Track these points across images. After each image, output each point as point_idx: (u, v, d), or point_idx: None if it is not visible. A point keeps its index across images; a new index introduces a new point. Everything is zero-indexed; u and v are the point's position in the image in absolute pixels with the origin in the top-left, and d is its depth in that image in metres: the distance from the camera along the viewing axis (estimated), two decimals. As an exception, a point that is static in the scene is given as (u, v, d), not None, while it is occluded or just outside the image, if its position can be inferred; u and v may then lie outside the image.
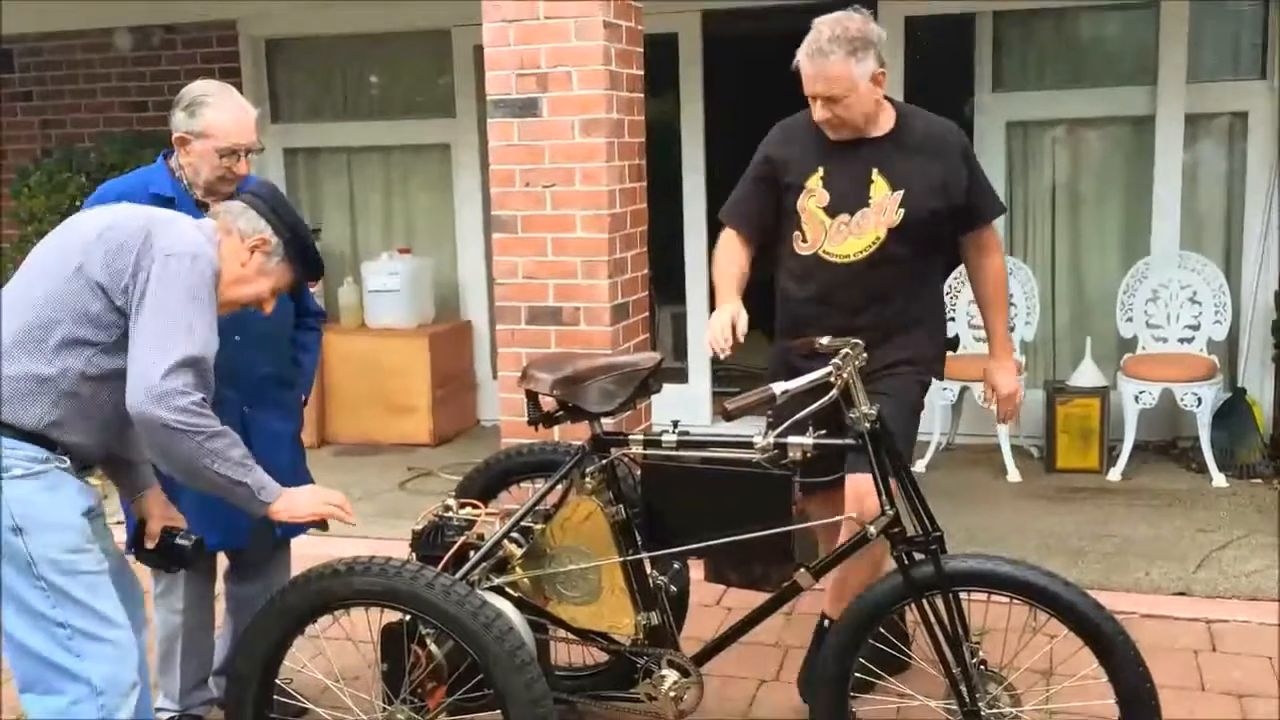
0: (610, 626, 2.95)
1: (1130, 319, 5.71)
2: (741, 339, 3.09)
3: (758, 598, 2.93)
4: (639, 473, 2.93)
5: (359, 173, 7.10)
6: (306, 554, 3.74)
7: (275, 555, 3.41)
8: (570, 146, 4.14)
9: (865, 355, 2.73)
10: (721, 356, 3.05)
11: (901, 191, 3.13)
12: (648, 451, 2.88)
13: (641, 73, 4.41)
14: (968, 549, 4.26)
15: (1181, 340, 5.61)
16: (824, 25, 3.09)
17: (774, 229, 3.33)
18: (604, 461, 2.92)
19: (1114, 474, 5.41)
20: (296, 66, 7.10)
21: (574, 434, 3.44)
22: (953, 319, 5.95)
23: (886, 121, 3.17)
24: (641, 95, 4.41)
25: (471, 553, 2.90)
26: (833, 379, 2.66)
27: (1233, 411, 5.43)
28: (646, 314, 4.57)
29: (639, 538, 2.90)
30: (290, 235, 2.65)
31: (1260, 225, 5.65)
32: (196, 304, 2.41)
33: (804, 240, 3.25)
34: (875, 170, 3.14)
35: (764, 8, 6.17)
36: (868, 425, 2.68)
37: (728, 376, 7.07)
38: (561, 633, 3.08)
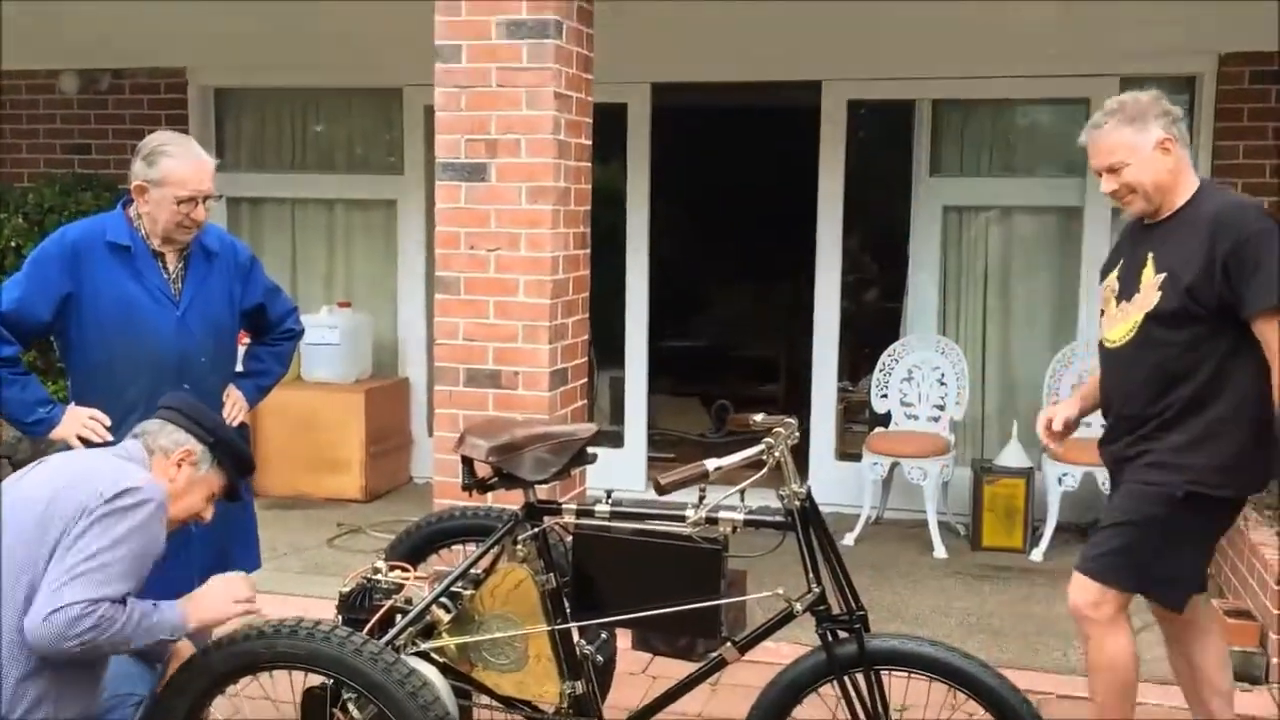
0: (535, 695, 2.95)
1: (1056, 402, 5.85)
2: (1060, 431, 3.38)
3: (685, 668, 2.95)
4: (570, 541, 2.95)
5: (302, 225, 7.11)
6: (230, 611, 3.70)
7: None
8: (516, 212, 4.20)
9: (798, 435, 2.78)
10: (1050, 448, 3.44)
11: (1163, 274, 2.99)
12: (580, 520, 2.91)
13: (590, 142, 4.49)
14: (892, 625, 4.35)
15: (1104, 425, 5.74)
16: (1106, 101, 3.10)
17: None
18: (536, 529, 2.93)
19: (1036, 554, 5.52)
20: (245, 116, 7.12)
21: (508, 499, 3.46)
22: (885, 395, 6.07)
23: (1181, 198, 3.04)
24: (589, 164, 4.49)
25: (399, 616, 2.89)
26: (764, 456, 2.71)
27: (1152, 497, 5.57)
28: (585, 380, 4.61)
29: (567, 606, 2.91)
30: (214, 439, 2.72)
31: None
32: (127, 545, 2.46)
33: (1100, 330, 3.22)
34: (1150, 254, 3.04)
35: (712, 83, 6.31)
36: (797, 504, 2.73)
37: (664, 442, 7.13)
38: (486, 700, 3.06)
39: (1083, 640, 3.24)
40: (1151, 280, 3.01)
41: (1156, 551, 3.04)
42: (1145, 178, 3.01)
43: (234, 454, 2.79)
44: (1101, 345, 3.17)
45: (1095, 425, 5.70)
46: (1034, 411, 5.93)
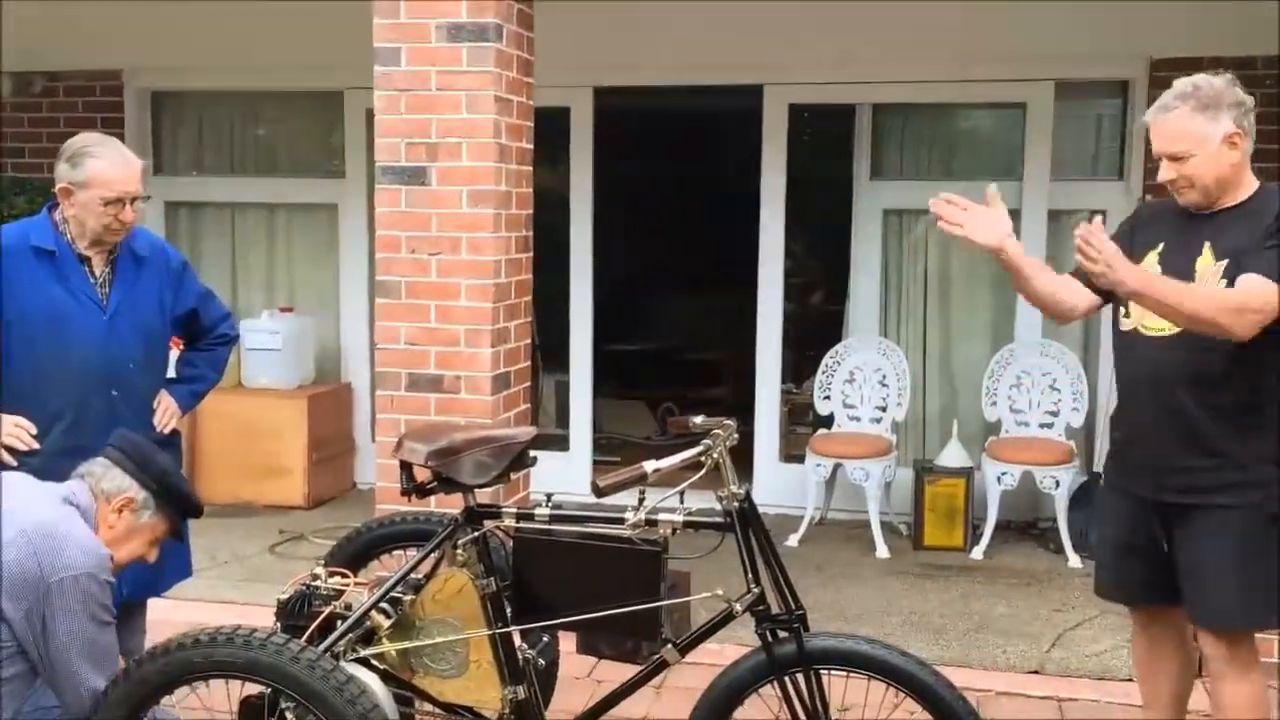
0: (477, 701, 2.94)
1: (995, 403, 5.95)
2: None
3: (629, 670, 2.95)
4: (511, 545, 2.94)
5: (243, 229, 7.02)
6: (165, 620, 3.66)
7: (129, 620, 3.31)
8: (457, 216, 4.19)
9: (737, 437, 2.79)
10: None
11: (1226, 260, 2.81)
12: (520, 524, 2.91)
13: (531, 146, 4.48)
14: (835, 625, 4.39)
15: (1042, 425, 5.85)
16: (1177, 82, 2.87)
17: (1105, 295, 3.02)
18: (477, 534, 2.92)
19: (977, 552, 5.59)
20: (183, 119, 7.02)
21: (449, 503, 3.44)
22: (828, 397, 6.12)
23: (1244, 192, 2.87)
24: (530, 168, 4.49)
25: (338, 623, 2.87)
26: (703, 458, 2.73)
27: (1088, 495, 5.66)
28: (528, 384, 4.60)
29: (509, 610, 2.90)
30: (158, 485, 2.70)
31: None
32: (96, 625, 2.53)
33: (1127, 315, 2.96)
34: (1207, 243, 2.85)
35: (655, 87, 6.33)
36: (736, 505, 2.75)
37: (609, 445, 7.13)
38: (427, 707, 3.05)
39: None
40: (1212, 267, 2.82)
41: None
42: (1208, 172, 2.81)
43: (179, 500, 2.77)
44: (1135, 334, 2.92)
45: (1033, 426, 5.85)
46: (974, 412, 6.08)
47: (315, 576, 2.98)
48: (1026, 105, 6.00)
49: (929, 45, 5.78)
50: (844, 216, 6.40)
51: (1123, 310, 2.97)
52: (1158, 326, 2.88)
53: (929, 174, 6.31)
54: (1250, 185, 2.89)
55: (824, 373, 6.17)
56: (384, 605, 2.91)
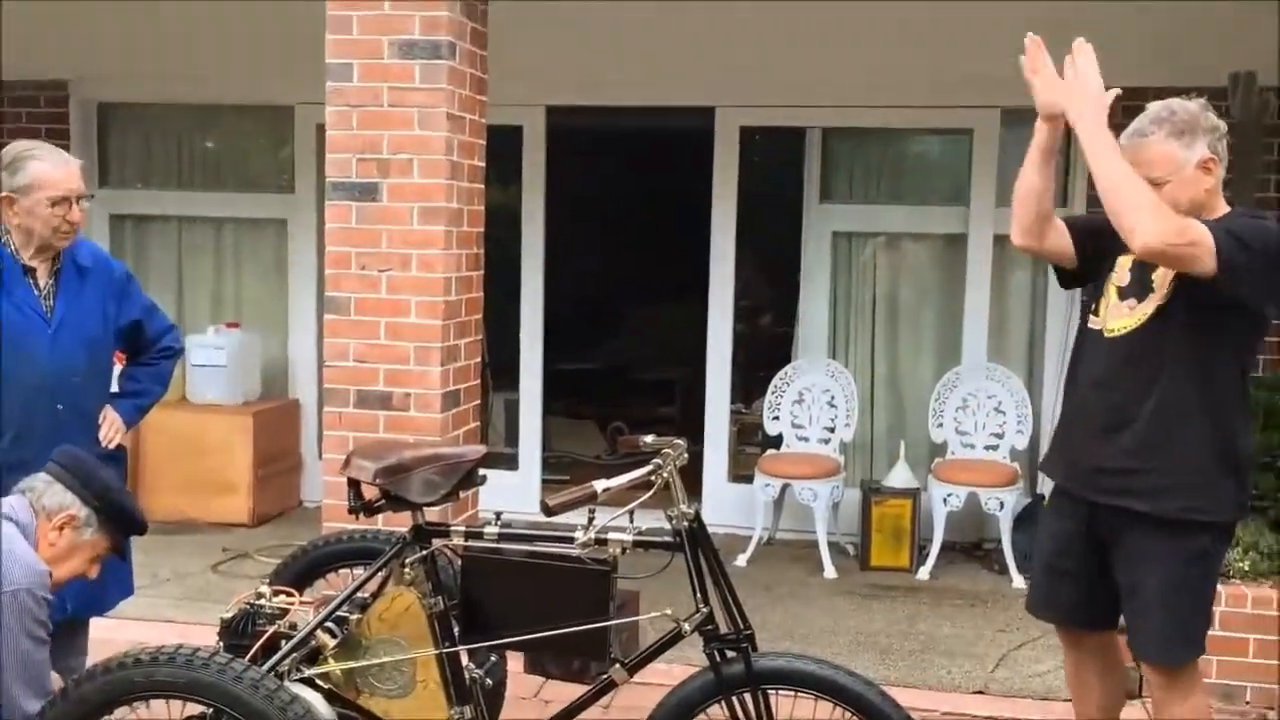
0: (423, 721, 2.91)
1: (941, 425, 6.01)
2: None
3: (576, 690, 2.94)
4: (460, 564, 2.93)
5: (189, 243, 6.95)
6: (107, 639, 3.59)
7: (71, 639, 3.25)
8: (408, 233, 4.17)
9: (687, 456, 2.80)
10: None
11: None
12: (469, 543, 2.89)
13: (483, 164, 4.48)
14: (783, 645, 4.40)
15: (987, 447, 5.93)
16: (1152, 107, 2.90)
17: (1086, 260, 3.04)
18: (425, 552, 2.90)
19: (923, 573, 5.64)
20: (129, 132, 6.94)
21: (397, 521, 3.42)
22: (777, 417, 6.16)
23: (1214, 216, 2.88)
24: (482, 186, 4.49)
25: (283, 642, 2.83)
26: (653, 478, 2.73)
27: (1032, 516, 5.73)
28: (478, 402, 4.58)
29: (456, 629, 2.89)
30: (100, 502, 2.66)
31: (1060, 342, 6.04)
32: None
33: (1096, 314, 3.01)
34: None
35: (607, 107, 6.35)
36: (685, 524, 2.76)
37: (559, 464, 7.12)
38: (373, 727, 3.02)
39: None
40: (1168, 275, 2.85)
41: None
42: (1183, 197, 2.82)
43: (122, 518, 2.72)
44: (1094, 334, 2.98)
45: (979, 448, 5.92)
46: (921, 434, 6.15)
47: (259, 595, 2.94)
48: (973, 132, 6.09)
49: (878, 71, 5.86)
50: (794, 238, 6.46)
51: (1094, 308, 3.02)
52: (1116, 328, 2.92)
53: (878, 198, 6.39)
54: (1221, 210, 2.91)
55: (773, 393, 6.21)
56: (329, 624, 2.88)
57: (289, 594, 2.99)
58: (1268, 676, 4.06)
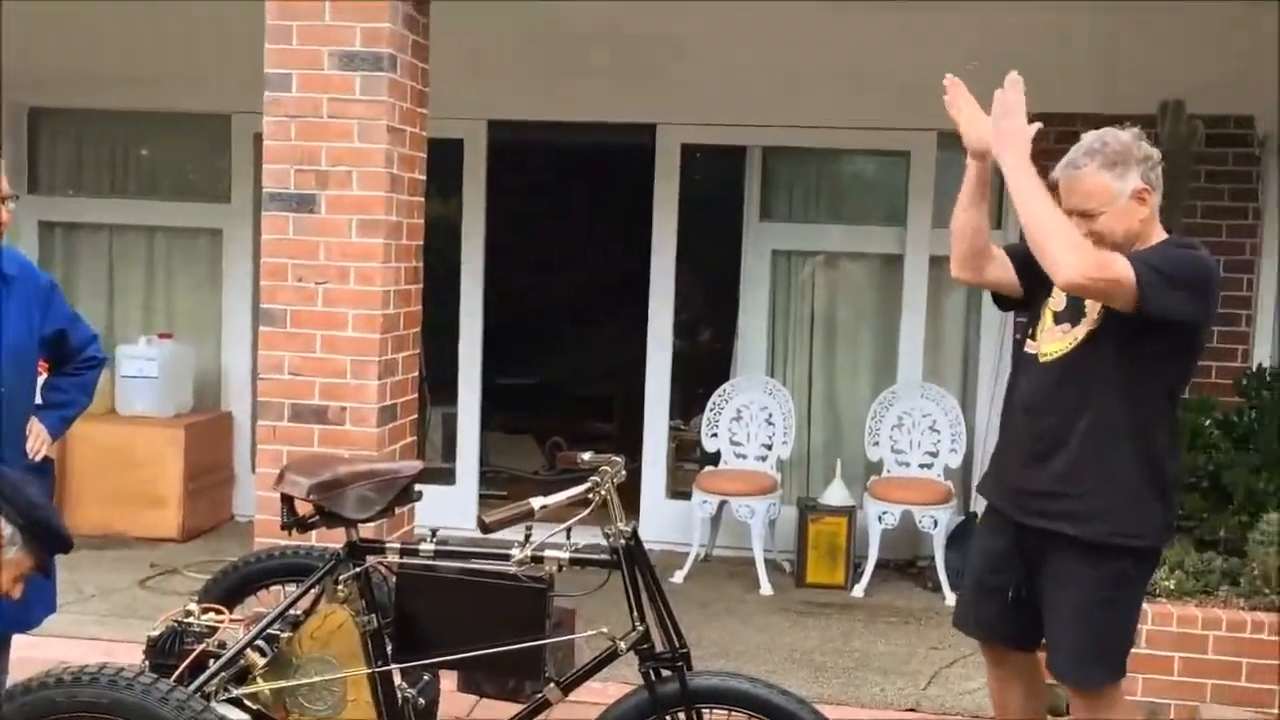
0: (354, 740, 2.87)
1: (877, 443, 6.07)
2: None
3: (510, 709, 2.92)
4: (394, 581, 2.90)
5: (121, 252, 6.82)
6: (28, 657, 3.50)
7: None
8: (346, 245, 4.13)
9: (624, 474, 2.80)
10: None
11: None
12: (404, 560, 2.87)
13: (423, 177, 4.46)
14: (718, 662, 4.41)
15: (922, 466, 5.99)
16: (1085, 138, 2.92)
17: (1027, 288, 3.07)
18: (359, 569, 2.87)
19: (858, 590, 5.68)
20: (62, 137, 6.81)
21: (331, 537, 3.37)
22: (715, 434, 6.18)
23: (1148, 244, 2.92)
24: (422, 199, 4.46)
25: (211, 661, 2.78)
26: (591, 495, 2.73)
27: (965, 534, 5.80)
28: (415, 416, 4.54)
29: (389, 648, 2.85)
30: (26, 520, 2.60)
31: (993, 362, 6.14)
32: None
33: (1033, 339, 3.04)
34: None
35: (550, 121, 6.35)
36: (623, 542, 2.75)
37: (497, 479, 7.08)
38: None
39: None
40: (1098, 303, 2.90)
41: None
42: (1118, 227, 2.87)
43: (48, 535, 2.65)
44: (1030, 358, 3.03)
45: (913, 466, 5.98)
46: (857, 452, 6.21)
47: (187, 612, 2.90)
48: (910, 154, 6.18)
49: (818, 92, 5.92)
50: (734, 256, 6.50)
51: (1030, 333, 3.06)
52: (1050, 351, 2.96)
53: (817, 217, 6.45)
54: (1156, 237, 2.95)
55: (711, 410, 6.23)
56: (259, 643, 2.83)
57: (218, 611, 2.94)
58: (1193, 694, 4.14)
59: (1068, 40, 5.60)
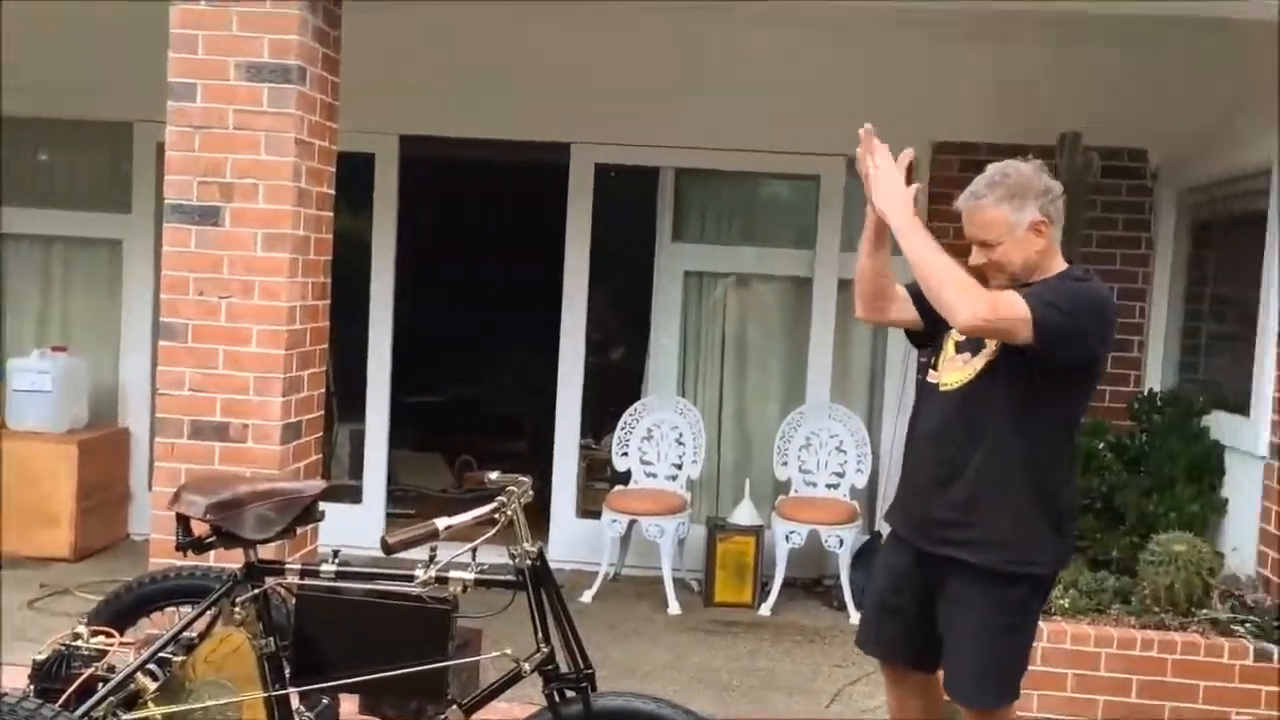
0: (249, 766, 2.81)
1: (785, 463, 6.13)
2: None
3: (410, 733, 2.88)
4: (294, 602, 2.84)
5: (14, 262, 6.61)
6: (-96, 684, 3.35)
7: None
8: (251, 259, 4.06)
9: (531, 494, 2.78)
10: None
11: None
12: (304, 581, 2.81)
13: (332, 191, 4.40)
14: (625, 683, 4.40)
15: (829, 486, 6.07)
16: (989, 169, 3.01)
17: (930, 322, 3.12)
18: (257, 591, 2.81)
19: (765, 609, 5.72)
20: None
21: (229, 558, 3.30)
22: (625, 453, 6.19)
23: (1046, 274, 2.99)
24: (331, 214, 4.40)
25: (100, 685, 2.70)
26: (497, 515, 2.71)
27: (869, 554, 5.88)
28: (319, 434, 4.47)
29: (287, 671, 2.79)
30: None
31: (899, 384, 6.24)
32: None
33: (934, 368, 3.11)
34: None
35: (463, 138, 6.32)
36: (529, 563, 2.74)
37: (404, 497, 6.99)
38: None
39: None
40: None
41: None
42: (1016, 258, 2.96)
43: None
44: (931, 387, 3.10)
45: (820, 486, 6.05)
46: (765, 471, 6.26)
47: (76, 635, 2.81)
48: (820, 178, 6.27)
49: (729, 115, 5.99)
50: (646, 276, 6.52)
51: (931, 363, 3.13)
52: (950, 381, 3.03)
53: (728, 239, 6.51)
54: (1056, 267, 3.02)
55: (623, 429, 6.24)
56: (151, 666, 2.76)
57: (108, 634, 2.87)
58: (1085, 710, 4.25)
59: (971, 72, 5.76)
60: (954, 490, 2.99)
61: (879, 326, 3.90)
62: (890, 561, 3.24)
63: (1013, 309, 2.83)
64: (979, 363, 2.99)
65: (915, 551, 3.10)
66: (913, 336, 3.32)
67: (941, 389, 3.06)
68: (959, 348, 3.06)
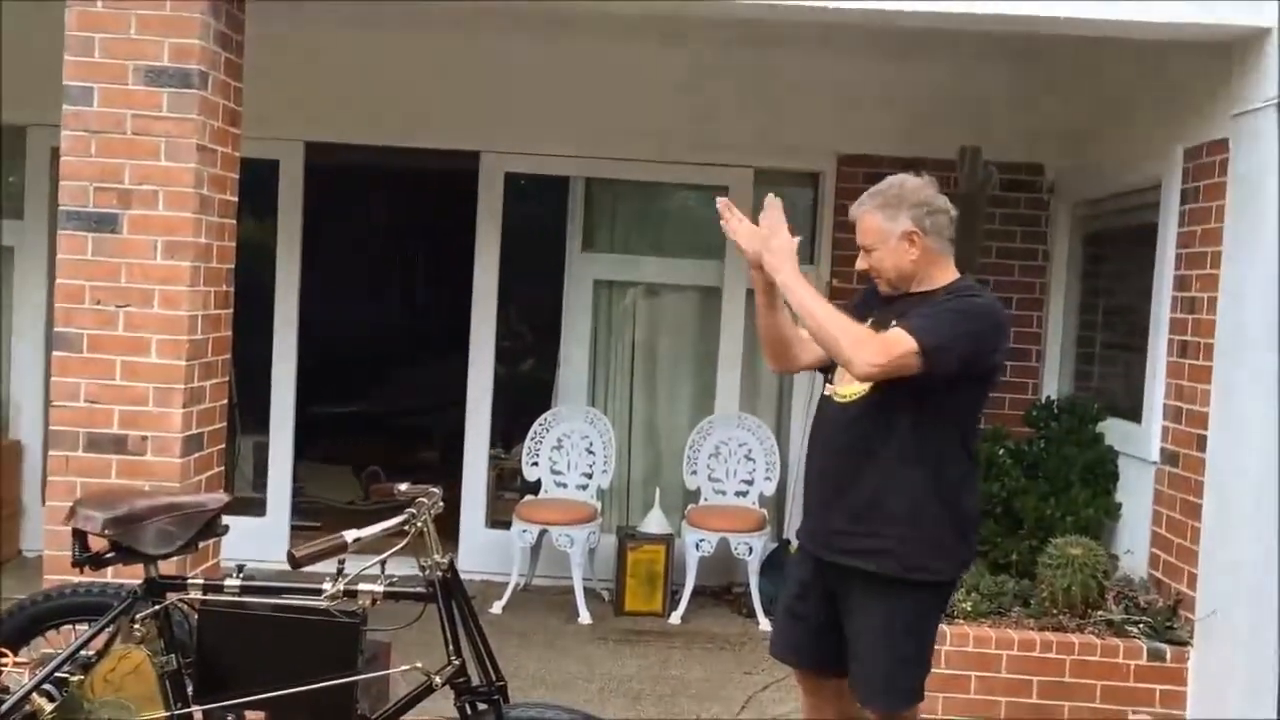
0: (150, 788, 2.73)
1: (695, 472, 6.17)
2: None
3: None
4: (196, 618, 2.78)
5: (-103, 269, 6.36)
6: None
7: None
8: (150, 267, 3.96)
9: (442, 505, 2.76)
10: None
11: None
12: (207, 596, 2.75)
13: (235, 198, 4.32)
14: (536, 693, 4.39)
15: (738, 494, 6.12)
16: (885, 180, 3.14)
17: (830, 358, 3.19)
18: (157, 607, 2.74)
19: (675, 617, 5.75)
20: None
21: (129, 574, 3.21)
22: (535, 463, 6.17)
23: (933, 284, 3.10)
24: (234, 221, 4.32)
25: (-9, 708, 2.61)
26: (407, 527, 2.68)
27: (779, 561, 5.95)
28: (222, 446, 4.38)
29: (190, 689, 2.73)
30: None
31: (806, 393, 6.33)
32: None
33: (830, 382, 3.19)
34: (894, 322, 3.03)
35: (371, 145, 6.25)
36: (439, 574, 2.71)
37: (311, 510, 6.87)
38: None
39: None
40: None
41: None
42: (889, 264, 3.09)
43: None
44: (828, 400, 3.17)
45: (729, 494, 6.10)
46: (676, 480, 6.29)
47: (-34, 657, 2.70)
48: (728, 189, 6.31)
49: (638, 126, 6.03)
50: (556, 285, 6.52)
51: (827, 377, 3.21)
52: (846, 393, 3.09)
53: (639, 248, 6.54)
54: (945, 278, 3.12)
55: (533, 439, 6.22)
56: (48, 686, 2.68)
57: (1, 654, 2.76)
58: (987, 711, 4.35)
59: (874, 88, 5.88)
60: (851, 500, 3.06)
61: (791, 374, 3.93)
62: (797, 571, 3.31)
63: (900, 345, 2.93)
64: None
65: (817, 560, 3.16)
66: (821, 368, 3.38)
67: (838, 400, 3.13)
68: None
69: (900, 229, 3.06)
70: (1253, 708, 3.99)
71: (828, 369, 3.24)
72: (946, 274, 3.14)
